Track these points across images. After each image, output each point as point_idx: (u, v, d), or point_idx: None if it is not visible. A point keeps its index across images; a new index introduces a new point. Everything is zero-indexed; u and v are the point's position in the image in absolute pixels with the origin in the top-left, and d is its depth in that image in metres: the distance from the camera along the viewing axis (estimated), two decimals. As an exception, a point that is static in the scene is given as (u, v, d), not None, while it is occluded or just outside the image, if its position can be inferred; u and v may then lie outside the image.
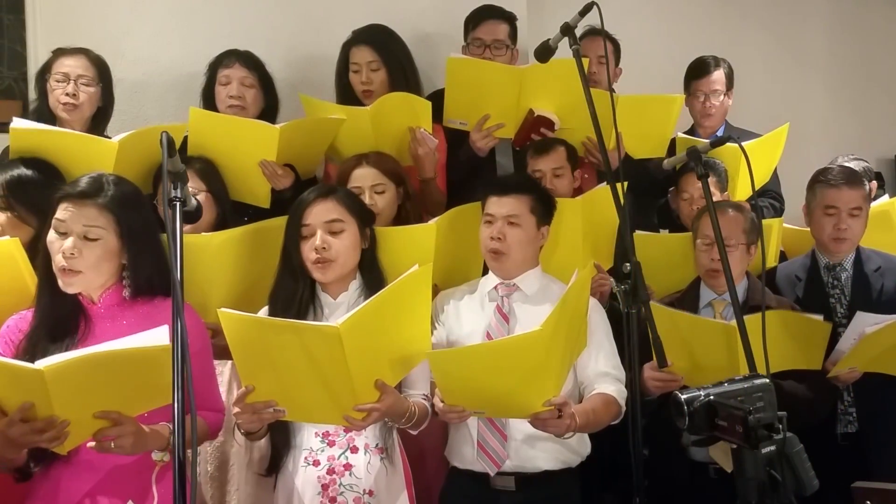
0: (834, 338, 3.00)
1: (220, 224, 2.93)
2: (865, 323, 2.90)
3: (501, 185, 2.79)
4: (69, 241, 2.15)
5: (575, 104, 3.06)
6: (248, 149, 3.09)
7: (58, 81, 3.11)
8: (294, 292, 2.51)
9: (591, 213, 3.07)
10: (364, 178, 2.99)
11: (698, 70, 3.93)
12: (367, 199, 2.88)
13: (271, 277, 2.59)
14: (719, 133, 3.92)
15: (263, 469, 2.60)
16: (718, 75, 3.91)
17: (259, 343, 2.19)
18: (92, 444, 2.03)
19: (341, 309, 2.49)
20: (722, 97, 3.92)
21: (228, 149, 3.09)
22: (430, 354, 2.37)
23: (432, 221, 2.95)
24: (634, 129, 3.37)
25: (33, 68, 3.52)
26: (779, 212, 3.88)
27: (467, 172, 3.43)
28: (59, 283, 2.17)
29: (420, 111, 3.26)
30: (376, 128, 3.23)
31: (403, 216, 3.03)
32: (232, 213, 3.03)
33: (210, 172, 3.00)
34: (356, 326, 2.15)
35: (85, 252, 2.15)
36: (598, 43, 3.65)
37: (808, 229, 3.34)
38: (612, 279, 3.00)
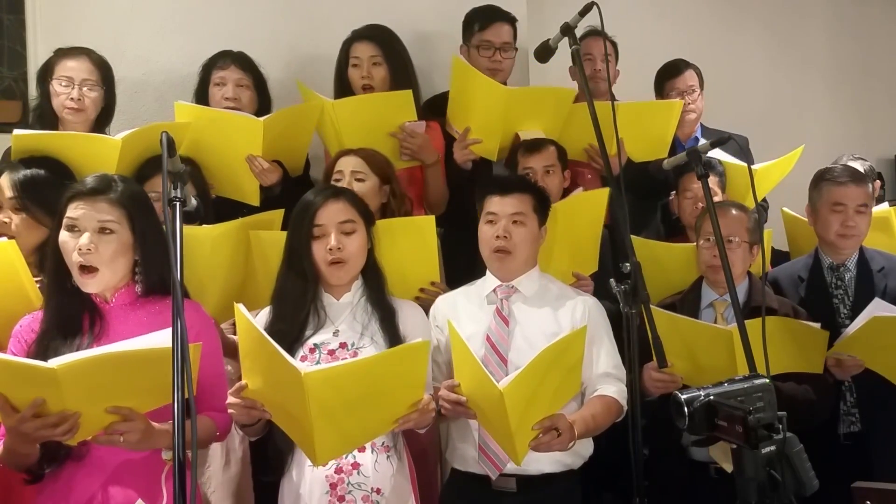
0: (837, 339, 2.98)
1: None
2: (880, 310, 2.88)
3: (503, 184, 2.79)
4: (85, 237, 2.16)
5: (562, 127, 3.04)
6: (234, 144, 3.08)
7: (62, 86, 3.06)
8: (304, 292, 2.51)
9: (572, 218, 3.04)
10: (346, 164, 3.03)
11: (671, 70, 3.98)
12: (344, 184, 2.89)
13: (265, 272, 2.57)
14: (697, 135, 3.94)
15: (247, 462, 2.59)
16: (691, 74, 3.95)
17: (253, 348, 2.21)
18: (102, 437, 2.06)
19: (346, 311, 2.51)
20: (697, 94, 3.94)
21: (216, 145, 3.08)
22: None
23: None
24: (635, 135, 3.37)
25: (33, 68, 3.51)
26: (765, 212, 3.90)
27: (465, 177, 3.41)
28: (78, 282, 2.19)
29: (401, 104, 3.23)
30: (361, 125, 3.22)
31: (388, 215, 3.02)
32: (211, 209, 2.96)
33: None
34: (324, 380, 2.11)
35: (101, 246, 2.17)
36: (598, 43, 3.65)
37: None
38: (593, 283, 3.01)
